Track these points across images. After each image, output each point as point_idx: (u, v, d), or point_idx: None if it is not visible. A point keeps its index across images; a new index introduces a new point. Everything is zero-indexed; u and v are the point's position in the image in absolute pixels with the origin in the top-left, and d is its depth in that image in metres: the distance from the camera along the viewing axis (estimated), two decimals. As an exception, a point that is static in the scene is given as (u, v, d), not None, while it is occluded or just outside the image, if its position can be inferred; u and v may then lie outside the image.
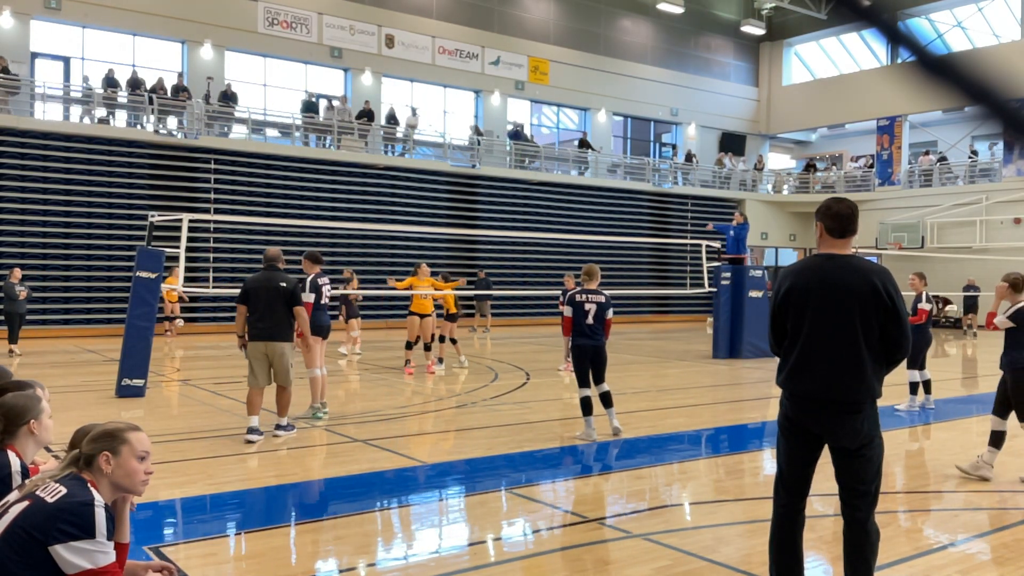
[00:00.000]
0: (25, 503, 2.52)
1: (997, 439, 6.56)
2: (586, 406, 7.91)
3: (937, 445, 8.06)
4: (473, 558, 4.66)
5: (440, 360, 13.75)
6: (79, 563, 2.46)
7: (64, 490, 2.54)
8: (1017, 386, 6.45)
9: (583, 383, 7.95)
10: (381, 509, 5.65)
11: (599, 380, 8.03)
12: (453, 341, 14.19)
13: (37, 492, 2.55)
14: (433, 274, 14.93)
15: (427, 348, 13.22)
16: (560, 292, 14.04)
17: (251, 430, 7.58)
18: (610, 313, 7.99)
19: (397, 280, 14.53)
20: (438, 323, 13.72)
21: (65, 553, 2.45)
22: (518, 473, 6.70)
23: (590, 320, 7.87)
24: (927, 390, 10.15)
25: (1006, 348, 6.55)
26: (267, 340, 7.67)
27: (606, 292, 8.08)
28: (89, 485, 2.63)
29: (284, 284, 7.78)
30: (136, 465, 2.75)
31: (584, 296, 7.95)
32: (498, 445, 7.85)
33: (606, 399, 8.05)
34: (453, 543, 5.04)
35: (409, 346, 13.16)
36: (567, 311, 8.00)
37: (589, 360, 7.93)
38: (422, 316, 13.04)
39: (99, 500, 2.56)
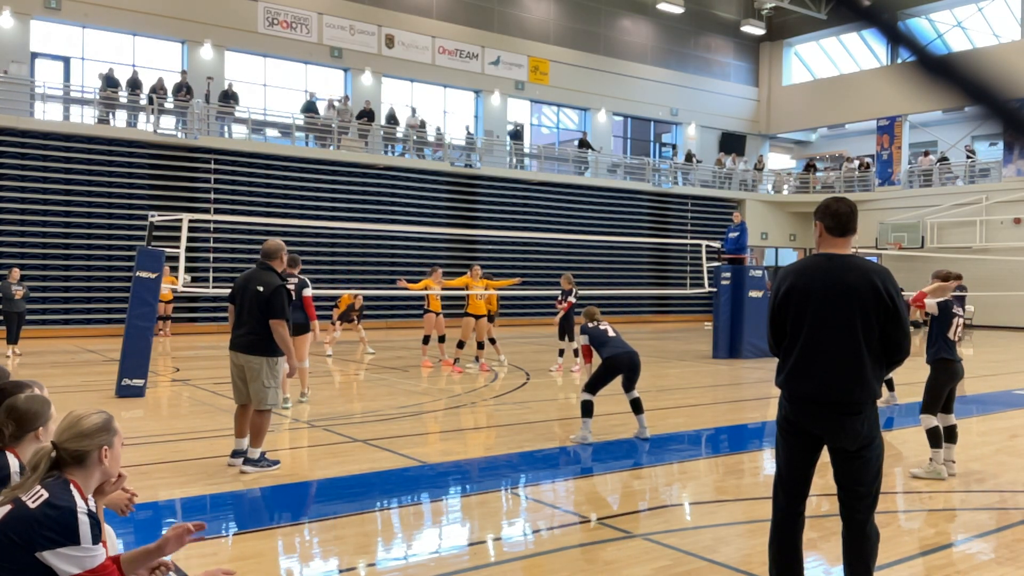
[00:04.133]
0: (8, 507, 2.49)
1: (947, 434, 6.68)
2: (588, 409, 7.92)
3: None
4: (473, 558, 4.66)
5: (477, 359, 13.96)
6: (70, 569, 2.46)
7: (46, 494, 2.50)
8: (934, 377, 6.61)
9: (595, 389, 7.95)
10: (381, 509, 5.65)
11: (631, 388, 8.10)
12: (492, 341, 14.25)
13: (20, 496, 2.51)
14: (448, 275, 15.22)
15: (481, 347, 13.80)
16: (560, 292, 14.03)
17: (235, 453, 6.69)
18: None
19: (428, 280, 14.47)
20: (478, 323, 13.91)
21: (54, 560, 2.45)
22: (518, 473, 6.71)
23: (612, 333, 8.15)
24: (890, 388, 10.48)
25: (930, 342, 6.67)
26: (238, 351, 6.55)
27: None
28: (72, 487, 2.58)
29: (261, 288, 6.46)
30: (120, 450, 2.79)
31: (596, 322, 8.27)
32: (498, 445, 7.86)
33: (637, 405, 8.11)
34: (453, 543, 5.04)
35: (461, 345, 13.65)
36: (584, 339, 8.18)
37: (626, 368, 8.01)
38: (477, 317, 13.65)
39: (81, 507, 2.53)
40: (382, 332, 21.47)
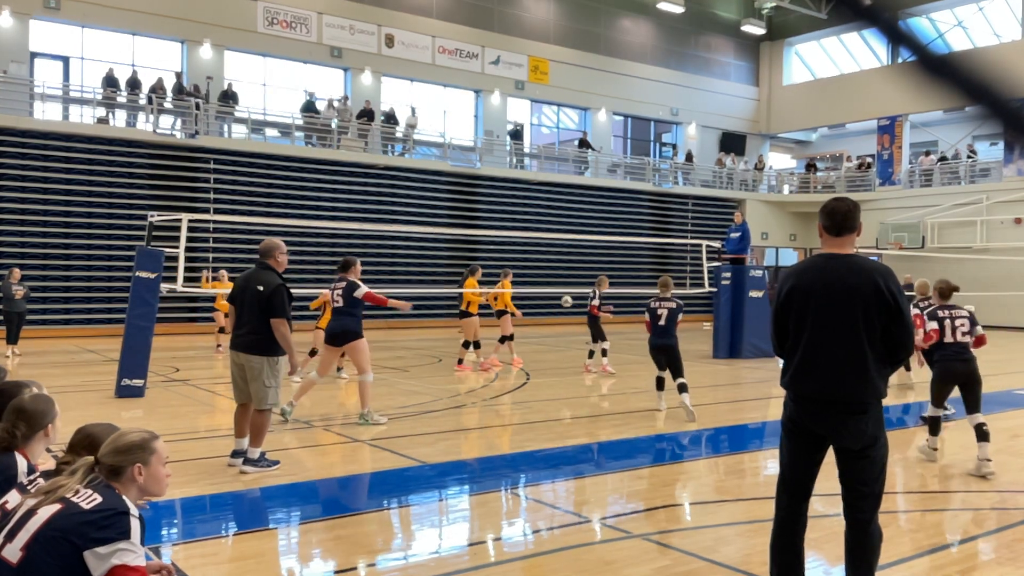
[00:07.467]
0: (56, 507, 2.54)
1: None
2: (658, 384, 9.63)
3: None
4: (473, 558, 4.66)
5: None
6: (110, 561, 2.50)
7: (100, 498, 2.59)
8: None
9: (659, 368, 9.59)
10: (381, 509, 5.64)
11: (677, 374, 9.26)
12: (477, 344, 14.16)
13: (69, 497, 2.57)
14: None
15: (477, 346, 13.90)
16: (591, 292, 13.83)
17: (235, 453, 6.70)
18: (679, 316, 9.42)
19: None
20: (463, 323, 13.83)
21: (97, 558, 2.49)
22: (518, 473, 6.70)
23: (663, 323, 9.36)
24: None
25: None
26: (239, 351, 6.54)
27: (677, 299, 9.54)
28: (119, 493, 2.67)
29: (261, 288, 6.46)
30: (162, 470, 2.85)
31: (659, 302, 9.50)
32: (498, 445, 7.86)
33: (681, 387, 9.22)
34: (453, 543, 5.04)
35: (467, 345, 13.72)
36: (647, 316, 9.58)
37: (659, 357, 9.47)
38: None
39: (134, 511, 2.62)
40: (382, 332, 21.47)
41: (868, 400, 3.44)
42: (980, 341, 7.11)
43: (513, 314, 14.28)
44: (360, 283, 8.83)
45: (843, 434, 3.45)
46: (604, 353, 13.49)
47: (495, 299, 14.36)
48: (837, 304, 3.46)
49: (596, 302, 13.52)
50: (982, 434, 6.73)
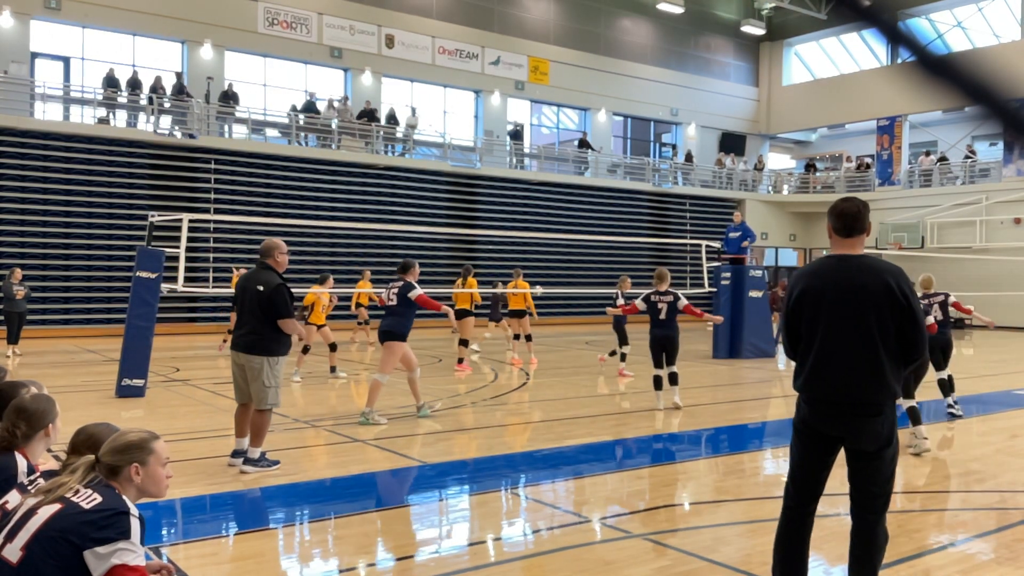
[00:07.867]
0: (56, 506, 2.54)
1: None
2: (656, 383, 9.69)
3: (936, 445, 8.05)
4: (473, 558, 4.66)
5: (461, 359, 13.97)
6: (110, 561, 2.50)
7: (100, 498, 2.58)
8: None
9: (654, 363, 9.79)
10: (381, 509, 5.65)
11: (670, 362, 9.74)
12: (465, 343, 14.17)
13: (69, 497, 2.57)
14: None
15: (466, 343, 14.03)
16: (615, 292, 13.83)
17: (235, 453, 6.71)
18: (683, 302, 9.72)
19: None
20: (458, 322, 13.81)
21: (97, 558, 2.49)
22: (518, 473, 6.71)
23: (664, 316, 9.74)
24: None
25: None
26: (239, 351, 6.54)
27: (675, 291, 9.87)
28: (119, 493, 2.67)
29: (260, 288, 6.48)
30: (161, 471, 2.84)
31: (659, 295, 9.81)
32: (498, 445, 7.86)
33: (671, 378, 9.70)
34: (453, 543, 5.04)
35: (465, 343, 13.93)
36: (640, 305, 9.97)
37: (658, 349, 9.78)
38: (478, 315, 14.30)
39: (135, 510, 2.62)
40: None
41: (883, 401, 3.41)
42: (931, 328, 7.64)
43: (531, 313, 14.92)
44: (416, 285, 8.92)
45: (859, 436, 3.43)
46: (623, 358, 13.41)
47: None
48: (849, 305, 3.43)
49: (622, 301, 13.44)
50: (915, 417, 7.39)
